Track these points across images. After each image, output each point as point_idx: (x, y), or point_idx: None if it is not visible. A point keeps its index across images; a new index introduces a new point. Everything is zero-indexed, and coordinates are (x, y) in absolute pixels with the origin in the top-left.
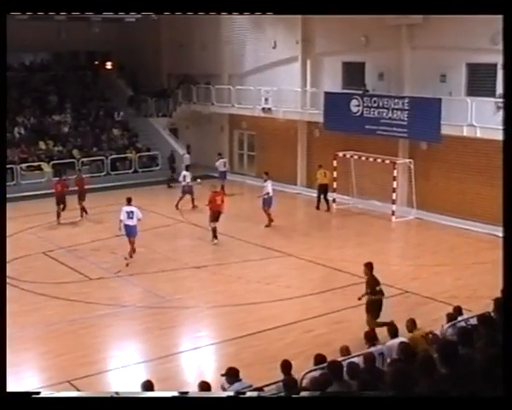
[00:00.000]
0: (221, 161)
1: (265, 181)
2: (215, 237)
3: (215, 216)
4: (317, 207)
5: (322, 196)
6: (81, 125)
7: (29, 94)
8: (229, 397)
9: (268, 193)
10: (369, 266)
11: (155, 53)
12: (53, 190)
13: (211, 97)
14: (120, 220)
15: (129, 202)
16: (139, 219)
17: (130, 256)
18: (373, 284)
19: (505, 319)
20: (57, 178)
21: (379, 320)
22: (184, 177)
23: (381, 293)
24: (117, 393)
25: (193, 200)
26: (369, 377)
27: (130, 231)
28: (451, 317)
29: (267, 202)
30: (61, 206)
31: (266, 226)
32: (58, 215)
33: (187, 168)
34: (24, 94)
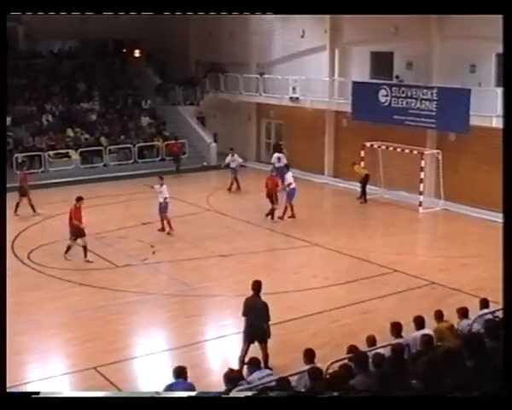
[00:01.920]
0: (276, 155)
1: (286, 173)
2: (271, 216)
3: (270, 198)
4: (365, 200)
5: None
6: (109, 112)
7: (57, 81)
8: (229, 397)
9: (290, 184)
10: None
11: (183, 41)
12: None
13: (239, 86)
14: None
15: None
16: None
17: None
18: None
19: (505, 319)
20: (21, 171)
21: None
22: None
23: None
24: (118, 391)
25: (237, 182)
26: (391, 368)
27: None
28: (463, 312)
29: (290, 195)
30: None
31: (290, 217)
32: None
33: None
34: (52, 81)
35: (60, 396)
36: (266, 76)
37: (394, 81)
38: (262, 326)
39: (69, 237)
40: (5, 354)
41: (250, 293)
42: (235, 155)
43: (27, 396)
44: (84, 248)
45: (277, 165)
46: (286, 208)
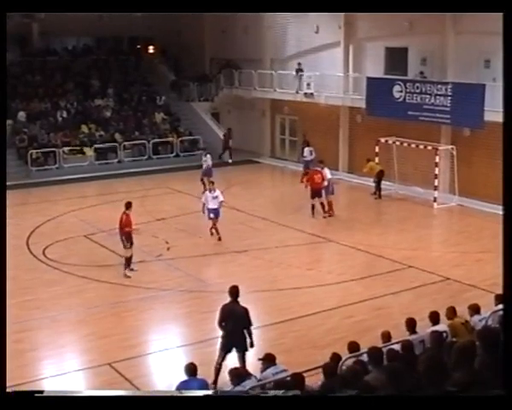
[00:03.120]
0: (307, 149)
1: (322, 168)
2: (312, 212)
3: (314, 193)
4: (380, 196)
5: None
6: (123, 109)
7: (72, 78)
8: (230, 397)
9: (329, 180)
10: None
11: (198, 38)
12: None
13: (253, 82)
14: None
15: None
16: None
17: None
18: None
19: (505, 318)
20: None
21: None
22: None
23: None
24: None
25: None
26: (400, 365)
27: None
28: (474, 308)
29: (328, 190)
30: None
31: (329, 215)
32: None
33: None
34: (67, 78)
35: (61, 395)
36: (280, 72)
37: (418, 77)
38: (243, 334)
39: (123, 246)
40: (5, 354)
41: (265, 288)
42: (208, 156)
43: (28, 395)
44: (128, 260)
45: (309, 158)
46: (330, 204)
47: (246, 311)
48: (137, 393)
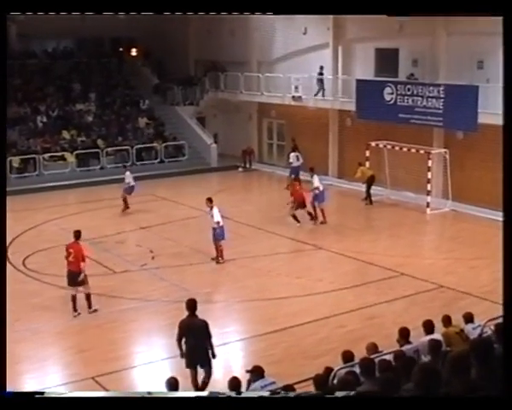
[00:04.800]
0: (293, 154)
1: (312, 176)
2: (297, 220)
3: (298, 205)
4: (371, 202)
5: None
6: (105, 113)
7: (52, 82)
8: (230, 397)
9: (317, 188)
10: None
11: (182, 39)
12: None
13: (239, 85)
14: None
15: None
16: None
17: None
18: None
19: (505, 318)
20: None
21: None
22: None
23: None
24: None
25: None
26: (392, 375)
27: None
28: (467, 317)
29: (319, 198)
30: None
31: (321, 223)
32: None
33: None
34: (47, 82)
35: (60, 397)
36: (268, 74)
37: (409, 79)
38: (204, 348)
39: (83, 281)
40: (5, 354)
41: (253, 298)
42: (127, 173)
43: (28, 396)
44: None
45: (296, 164)
46: (322, 211)
47: (205, 324)
48: (137, 394)
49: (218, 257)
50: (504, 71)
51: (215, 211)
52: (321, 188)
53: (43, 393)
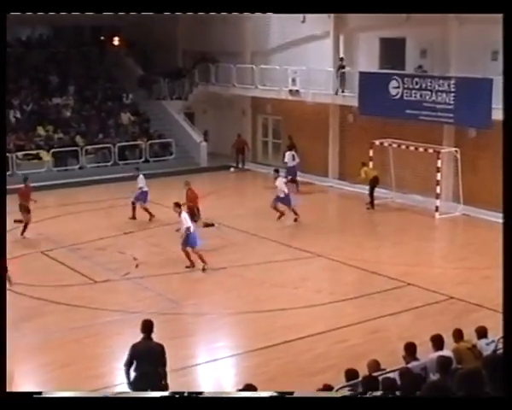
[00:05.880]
0: (289, 153)
1: (276, 179)
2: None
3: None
4: (372, 206)
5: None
6: (85, 108)
7: (27, 73)
8: (229, 397)
9: (283, 191)
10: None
11: (169, 28)
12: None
13: (231, 78)
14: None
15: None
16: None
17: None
18: None
19: (505, 318)
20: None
21: None
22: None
23: None
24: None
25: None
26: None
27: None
28: (481, 331)
29: (285, 201)
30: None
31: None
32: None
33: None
34: (21, 73)
35: (60, 396)
36: (263, 66)
37: (417, 72)
38: (159, 374)
39: None
40: (5, 354)
41: (246, 310)
42: (141, 176)
43: (27, 396)
44: None
45: (292, 164)
46: (282, 213)
47: (162, 349)
48: (136, 394)
49: (197, 264)
50: (504, 71)
51: (184, 216)
52: (286, 191)
53: (40, 393)
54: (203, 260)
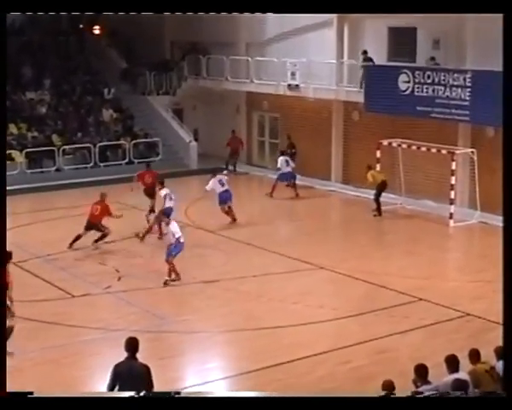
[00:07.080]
0: (282, 158)
1: (211, 179)
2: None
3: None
4: (379, 212)
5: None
6: (62, 104)
7: None
8: (228, 397)
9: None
10: None
11: (156, 16)
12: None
13: (224, 71)
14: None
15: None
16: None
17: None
18: None
19: (505, 319)
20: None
21: None
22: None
23: None
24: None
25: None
26: None
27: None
28: (499, 351)
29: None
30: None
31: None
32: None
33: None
34: None
35: (59, 396)
36: (258, 58)
37: (429, 64)
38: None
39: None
40: (5, 353)
41: (240, 327)
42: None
43: (28, 396)
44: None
45: (285, 170)
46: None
47: (147, 370)
48: (131, 395)
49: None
50: (504, 71)
51: (174, 224)
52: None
53: (32, 393)
54: (176, 272)
